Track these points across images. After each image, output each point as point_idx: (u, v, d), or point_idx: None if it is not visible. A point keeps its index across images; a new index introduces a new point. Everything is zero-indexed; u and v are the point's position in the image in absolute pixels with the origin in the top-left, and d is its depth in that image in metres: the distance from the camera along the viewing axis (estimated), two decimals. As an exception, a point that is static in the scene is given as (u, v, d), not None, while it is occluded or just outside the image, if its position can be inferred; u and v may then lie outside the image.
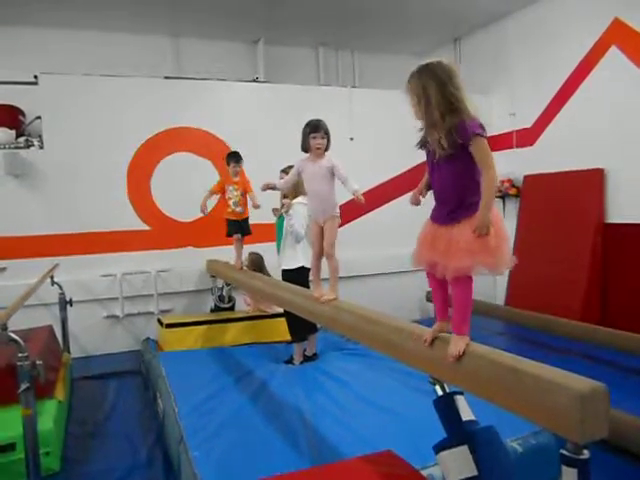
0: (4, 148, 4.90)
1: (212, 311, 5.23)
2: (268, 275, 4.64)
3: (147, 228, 5.40)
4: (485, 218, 1.58)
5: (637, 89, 4.81)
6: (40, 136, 5.08)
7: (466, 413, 1.88)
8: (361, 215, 5.88)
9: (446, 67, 1.68)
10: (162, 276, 5.38)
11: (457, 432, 1.84)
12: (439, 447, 1.86)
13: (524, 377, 1.42)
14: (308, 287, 3.80)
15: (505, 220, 1.75)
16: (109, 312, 5.25)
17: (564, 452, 1.34)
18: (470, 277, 1.67)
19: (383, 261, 6.11)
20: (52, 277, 4.45)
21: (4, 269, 4.85)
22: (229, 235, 4.31)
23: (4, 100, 5.08)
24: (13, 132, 5.05)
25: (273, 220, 4.47)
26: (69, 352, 4.67)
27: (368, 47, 7.24)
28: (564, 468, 1.34)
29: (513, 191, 6.05)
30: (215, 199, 4.55)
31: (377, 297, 5.22)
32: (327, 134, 2.72)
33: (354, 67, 7.42)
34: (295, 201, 3.95)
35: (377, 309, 2.31)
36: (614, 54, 5.01)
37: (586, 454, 1.32)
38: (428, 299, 5.96)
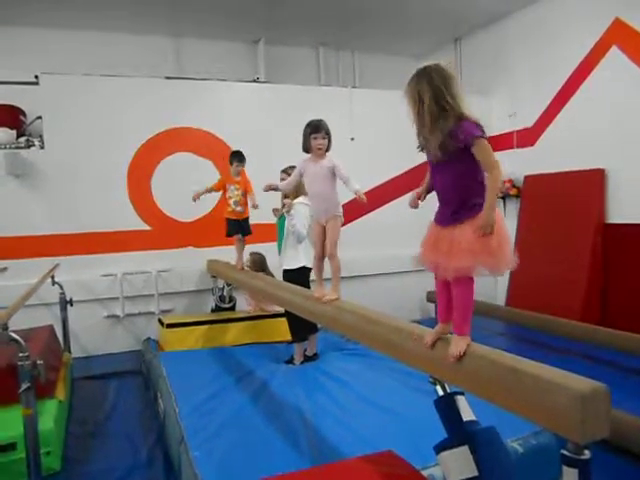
0: (5, 148, 4.90)
1: (213, 311, 5.23)
2: (271, 275, 4.64)
3: (148, 228, 5.40)
4: (489, 217, 1.59)
5: (638, 89, 4.81)
6: (41, 136, 5.09)
7: (467, 413, 1.88)
8: (362, 215, 5.88)
9: (443, 71, 1.67)
10: (163, 276, 5.38)
11: (458, 432, 1.85)
12: (440, 447, 1.86)
13: (525, 377, 1.42)
14: (309, 287, 3.81)
15: (505, 220, 1.75)
16: (110, 312, 5.26)
17: (565, 452, 1.34)
18: (471, 278, 1.68)
19: (384, 261, 6.11)
20: (53, 277, 4.45)
21: (5, 269, 4.85)
22: (228, 235, 4.31)
23: (5, 100, 5.08)
24: (14, 132, 5.05)
25: (274, 220, 4.47)
26: (70, 352, 4.68)
27: (369, 47, 7.25)
28: (565, 468, 1.34)
29: (513, 191, 6.05)
30: (211, 198, 4.53)
31: (378, 297, 5.21)
32: (328, 134, 2.73)
33: (354, 67, 7.42)
34: (296, 201, 3.95)
35: (378, 309, 2.31)
36: (615, 54, 5.01)
37: (587, 454, 1.32)
38: (429, 299, 5.96)
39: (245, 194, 4.18)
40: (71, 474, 2.90)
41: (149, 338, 5.06)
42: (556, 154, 5.64)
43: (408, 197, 1.94)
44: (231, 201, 4.19)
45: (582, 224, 5.21)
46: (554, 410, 1.32)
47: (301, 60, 7.10)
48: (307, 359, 4.14)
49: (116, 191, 5.24)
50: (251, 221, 4.32)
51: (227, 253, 4.67)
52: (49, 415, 2.96)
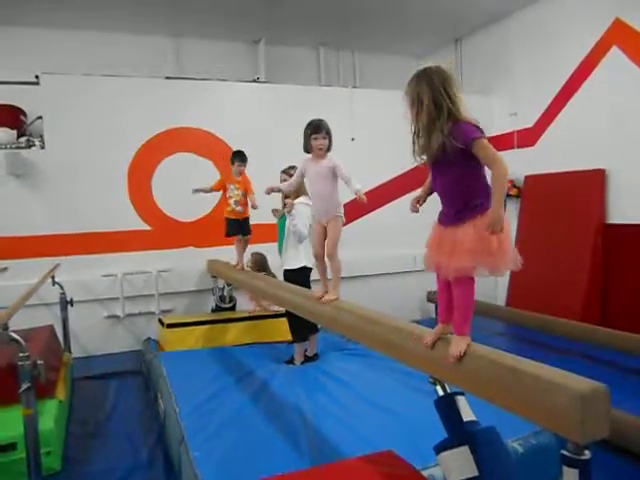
0: (5, 148, 4.90)
1: (213, 311, 5.23)
2: (272, 275, 4.64)
3: (148, 228, 5.40)
4: (498, 214, 1.56)
5: (638, 89, 4.81)
6: (41, 136, 5.09)
7: (467, 413, 1.88)
8: (362, 215, 5.87)
9: (443, 73, 1.67)
10: (163, 276, 5.38)
11: (458, 432, 1.85)
12: (440, 447, 1.86)
13: (524, 377, 1.42)
14: (310, 287, 3.81)
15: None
16: (110, 312, 5.26)
17: (565, 452, 1.34)
18: (472, 278, 1.68)
19: (384, 261, 6.11)
20: (53, 277, 4.45)
21: (5, 269, 4.85)
22: (228, 235, 4.31)
23: (5, 100, 5.08)
24: (14, 132, 5.05)
25: (274, 220, 4.47)
26: (70, 352, 4.68)
27: (369, 47, 7.25)
28: (565, 468, 1.34)
29: (514, 191, 6.05)
30: (211, 197, 4.53)
31: (378, 297, 5.21)
32: (329, 134, 2.72)
33: (355, 67, 7.42)
34: (297, 201, 3.95)
35: (378, 309, 2.31)
36: (615, 54, 5.01)
37: (587, 454, 1.32)
38: (429, 299, 5.96)
39: (245, 194, 4.18)
40: (71, 474, 2.90)
41: (149, 338, 5.06)
42: (557, 154, 5.64)
43: (409, 197, 1.95)
44: (231, 200, 4.19)
45: (582, 224, 5.21)
46: (554, 410, 1.32)
47: (301, 60, 7.10)
48: (307, 359, 4.14)
49: (116, 191, 5.24)
50: (251, 221, 4.33)
51: (227, 253, 4.68)
52: (49, 415, 2.96)
